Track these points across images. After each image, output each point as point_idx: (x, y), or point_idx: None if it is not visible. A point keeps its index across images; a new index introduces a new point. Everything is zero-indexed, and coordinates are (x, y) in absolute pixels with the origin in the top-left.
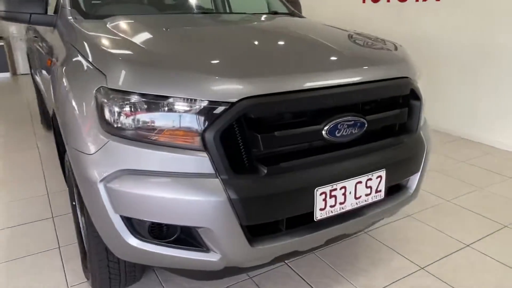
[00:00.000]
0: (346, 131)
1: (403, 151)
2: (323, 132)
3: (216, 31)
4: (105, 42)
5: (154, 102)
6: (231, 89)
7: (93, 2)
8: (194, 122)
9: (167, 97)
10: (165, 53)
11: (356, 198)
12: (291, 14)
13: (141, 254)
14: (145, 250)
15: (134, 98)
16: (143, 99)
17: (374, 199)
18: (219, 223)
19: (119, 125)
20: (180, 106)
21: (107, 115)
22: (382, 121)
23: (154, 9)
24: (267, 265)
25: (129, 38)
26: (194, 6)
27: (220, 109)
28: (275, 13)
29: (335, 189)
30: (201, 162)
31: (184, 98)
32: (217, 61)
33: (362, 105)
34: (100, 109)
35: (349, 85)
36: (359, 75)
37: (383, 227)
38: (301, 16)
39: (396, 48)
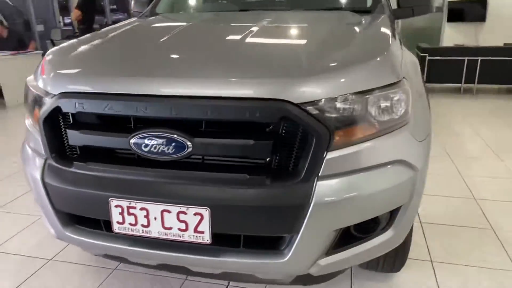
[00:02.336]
0: (156, 147)
1: (254, 196)
2: (130, 143)
3: (198, 31)
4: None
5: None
6: (57, 84)
7: None
8: (38, 109)
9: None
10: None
11: (164, 228)
12: (367, 11)
13: None
14: None
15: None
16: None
17: (196, 240)
18: (38, 200)
19: None
20: (38, 95)
21: None
22: (221, 149)
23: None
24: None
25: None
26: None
27: (47, 100)
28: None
29: (134, 207)
30: (38, 142)
31: (39, 89)
32: (101, 61)
33: (210, 125)
34: None
35: (183, 97)
36: (207, 87)
37: None
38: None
39: (311, 61)
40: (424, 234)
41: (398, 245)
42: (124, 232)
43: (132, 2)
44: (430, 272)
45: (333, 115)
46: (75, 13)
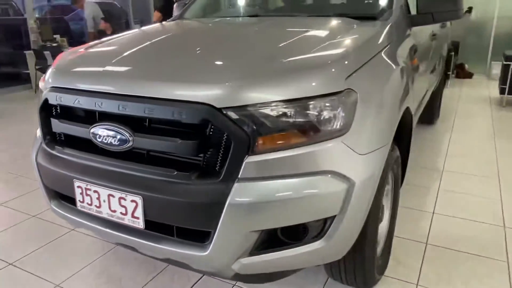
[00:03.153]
0: (106, 139)
1: (179, 191)
2: (90, 132)
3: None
4: None
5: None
6: (50, 79)
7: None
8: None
9: None
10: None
11: (111, 210)
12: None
13: None
14: None
15: None
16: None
17: (133, 224)
18: (36, 177)
19: None
20: (42, 87)
21: None
22: (155, 145)
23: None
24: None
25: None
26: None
27: (44, 92)
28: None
29: (89, 189)
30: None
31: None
32: (85, 60)
33: (153, 122)
34: None
35: (130, 98)
36: (144, 88)
37: None
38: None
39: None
40: (424, 255)
41: (339, 258)
42: (84, 210)
43: (174, 6)
44: None
45: (255, 121)
46: (155, 15)
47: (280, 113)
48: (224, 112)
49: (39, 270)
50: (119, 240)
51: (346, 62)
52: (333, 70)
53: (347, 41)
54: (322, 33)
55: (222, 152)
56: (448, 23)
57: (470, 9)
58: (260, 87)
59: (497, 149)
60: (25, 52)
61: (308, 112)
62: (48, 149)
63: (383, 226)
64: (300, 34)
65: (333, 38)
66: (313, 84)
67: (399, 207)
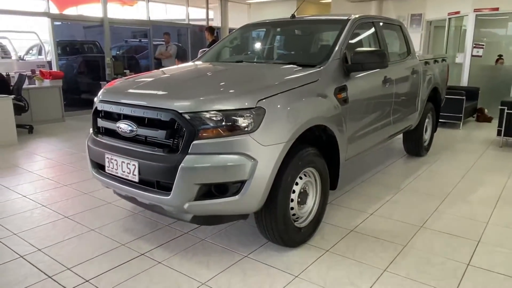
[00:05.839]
0: (123, 129)
1: (157, 159)
2: (116, 126)
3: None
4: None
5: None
6: (99, 94)
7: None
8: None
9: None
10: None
11: (122, 171)
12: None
13: None
14: None
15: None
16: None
17: (133, 179)
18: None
19: None
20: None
21: None
22: (147, 133)
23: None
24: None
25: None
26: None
27: (95, 103)
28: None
29: (112, 159)
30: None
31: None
32: (120, 84)
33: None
34: None
35: (136, 106)
36: (144, 101)
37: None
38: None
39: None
40: (345, 236)
41: (252, 211)
42: (109, 172)
43: (199, 53)
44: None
45: (199, 121)
46: (176, 62)
47: (212, 117)
48: (183, 115)
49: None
50: (126, 192)
51: (260, 91)
52: (249, 94)
53: (272, 79)
54: (265, 73)
55: (182, 138)
56: (430, 70)
57: (500, 57)
58: (204, 102)
59: (464, 177)
60: (100, 82)
61: (231, 117)
62: (94, 137)
63: (308, 207)
64: (249, 74)
65: (266, 77)
66: (235, 102)
67: (345, 207)
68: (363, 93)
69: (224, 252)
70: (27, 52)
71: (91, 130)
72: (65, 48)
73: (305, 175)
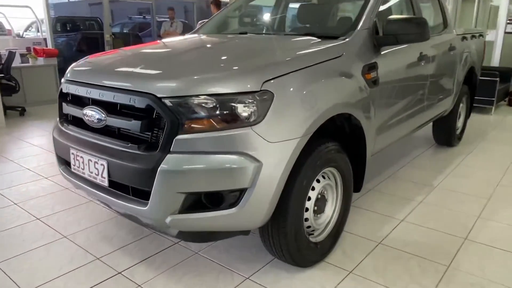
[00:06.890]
0: (90, 118)
1: (130, 158)
2: (83, 113)
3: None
4: None
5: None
6: (68, 74)
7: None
8: None
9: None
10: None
11: (90, 172)
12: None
13: None
14: None
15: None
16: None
17: (102, 183)
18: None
19: None
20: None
21: None
22: (117, 124)
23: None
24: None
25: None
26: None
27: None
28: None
29: (78, 155)
30: None
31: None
32: (108, 61)
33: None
34: None
35: (105, 88)
36: (114, 81)
37: None
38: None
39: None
40: (371, 252)
41: (254, 227)
42: (75, 171)
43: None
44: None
45: (184, 108)
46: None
47: (205, 103)
48: (163, 100)
49: None
50: (97, 197)
51: (267, 70)
52: (252, 75)
53: (283, 54)
54: (273, 47)
55: (163, 131)
56: (467, 47)
57: None
58: (192, 83)
59: (506, 174)
60: None
61: (227, 104)
62: (60, 126)
63: (326, 216)
64: (253, 48)
65: (275, 51)
66: (233, 84)
67: (370, 211)
68: (395, 73)
69: (221, 272)
70: (27, 29)
71: (58, 118)
72: (65, 24)
73: (323, 177)
